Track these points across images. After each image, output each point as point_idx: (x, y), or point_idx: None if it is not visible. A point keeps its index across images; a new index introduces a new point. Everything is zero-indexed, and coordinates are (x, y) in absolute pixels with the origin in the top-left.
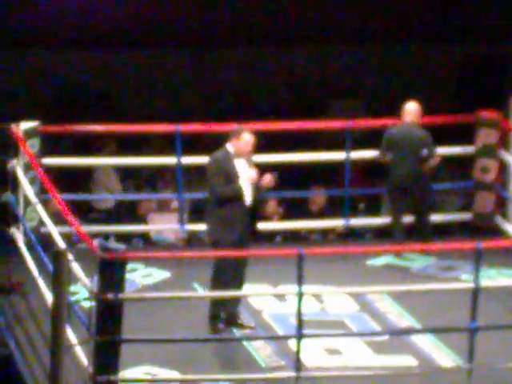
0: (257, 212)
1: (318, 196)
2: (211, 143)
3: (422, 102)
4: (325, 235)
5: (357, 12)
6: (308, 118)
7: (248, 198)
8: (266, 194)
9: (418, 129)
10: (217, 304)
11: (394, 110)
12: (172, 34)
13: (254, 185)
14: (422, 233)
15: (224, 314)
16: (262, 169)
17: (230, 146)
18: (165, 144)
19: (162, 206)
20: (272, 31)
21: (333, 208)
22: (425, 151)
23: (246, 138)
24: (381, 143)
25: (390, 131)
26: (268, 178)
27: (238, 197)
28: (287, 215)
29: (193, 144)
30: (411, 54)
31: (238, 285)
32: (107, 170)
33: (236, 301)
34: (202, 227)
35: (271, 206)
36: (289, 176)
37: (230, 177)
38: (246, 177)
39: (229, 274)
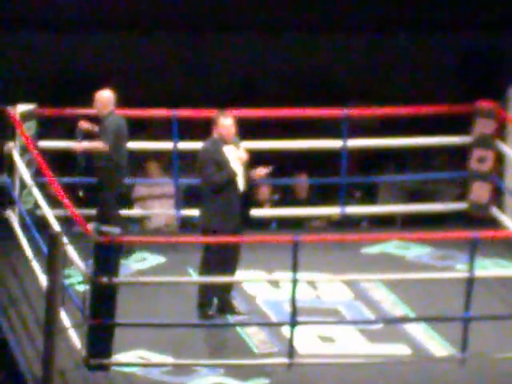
0: (250, 199)
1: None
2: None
3: (423, 92)
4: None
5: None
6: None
7: (241, 184)
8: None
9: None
10: (205, 291)
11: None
12: (170, 17)
13: (244, 165)
14: None
15: (215, 301)
16: (257, 156)
17: (215, 134)
18: (162, 129)
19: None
20: (274, 17)
21: (329, 195)
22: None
23: (224, 123)
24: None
25: (120, 125)
26: (262, 171)
27: (232, 180)
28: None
29: (189, 129)
30: (412, 44)
31: (230, 272)
32: None
33: (228, 287)
34: (196, 212)
35: (264, 192)
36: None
37: (221, 164)
38: (236, 161)
39: (219, 262)
